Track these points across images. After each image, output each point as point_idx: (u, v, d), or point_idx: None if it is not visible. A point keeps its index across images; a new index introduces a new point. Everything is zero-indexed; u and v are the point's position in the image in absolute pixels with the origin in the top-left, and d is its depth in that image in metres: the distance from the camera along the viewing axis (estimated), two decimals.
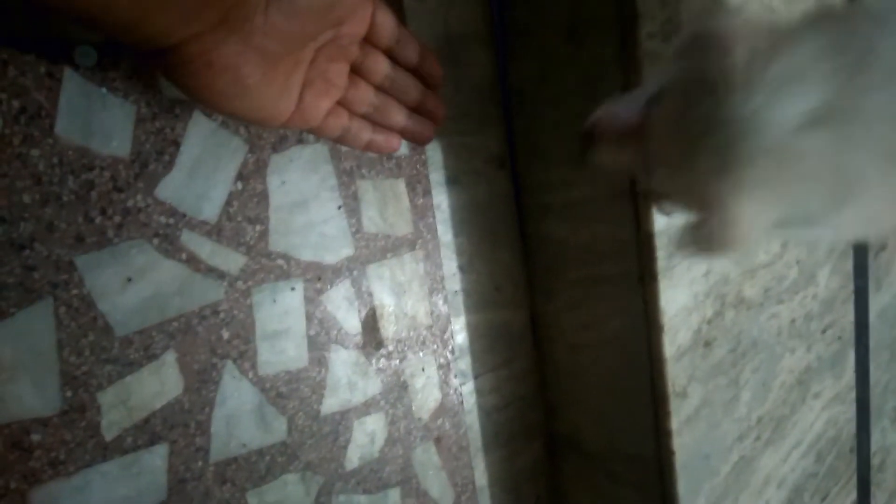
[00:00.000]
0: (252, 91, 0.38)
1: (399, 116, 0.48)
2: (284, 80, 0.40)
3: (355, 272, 0.63)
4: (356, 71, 0.46)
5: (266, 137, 0.57)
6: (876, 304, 1.08)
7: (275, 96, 0.41)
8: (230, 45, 0.35)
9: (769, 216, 0.39)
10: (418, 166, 0.68)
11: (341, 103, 0.46)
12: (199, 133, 0.54)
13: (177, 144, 0.53)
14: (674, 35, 0.65)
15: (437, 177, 0.70)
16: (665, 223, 0.68)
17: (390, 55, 0.47)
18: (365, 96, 0.47)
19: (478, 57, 0.72)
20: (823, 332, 0.96)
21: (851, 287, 1.01)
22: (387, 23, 0.45)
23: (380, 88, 0.47)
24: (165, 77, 0.38)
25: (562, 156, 0.73)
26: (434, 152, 0.69)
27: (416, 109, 0.49)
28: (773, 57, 0.37)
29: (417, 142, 0.51)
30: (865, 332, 1.06)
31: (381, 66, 0.46)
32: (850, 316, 1.01)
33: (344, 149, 0.62)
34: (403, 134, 0.49)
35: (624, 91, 0.65)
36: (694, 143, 0.38)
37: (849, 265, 0.99)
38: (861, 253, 1.02)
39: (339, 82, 0.45)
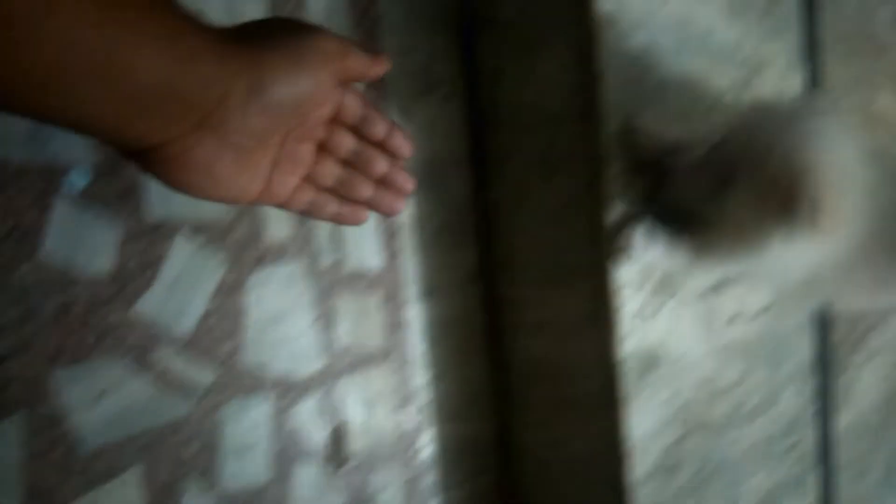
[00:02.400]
0: (224, 181, 0.40)
1: (365, 190, 0.50)
2: (255, 166, 0.43)
3: (326, 386, 0.65)
4: (322, 147, 0.48)
5: (246, 257, 0.60)
6: (839, 423, 1.10)
7: (245, 181, 0.43)
8: (206, 145, 0.37)
9: None
10: (395, 280, 0.71)
11: (308, 179, 0.48)
12: (182, 252, 0.56)
13: (159, 263, 0.55)
14: (638, 177, 0.70)
15: (411, 291, 0.72)
16: (634, 348, 0.71)
17: (357, 131, 0.49)
18: (331, 171, 0.48)
19: (457, 179, 0.76)
20: (786, 453, 0.98)
21: (813, 409, 1.03)
22: (353, 103, 0.47)
23: (346, 163, 0.49)
24: (145, 172, 0.40)
25: (535, 276, 0.76)
26: (409, 269, 0.72)
27: (383, 182, 0.51)
28: None
29: (385, 213, 0.52)
30: (830, 451, 1.08)
31: (346, 143, 0.48)
32: (812, 437, 1.04)
33: (322, 265, 0.65)
34: (371, 206, 0.51)
35: (590, 221, 0.69)
36: None
37: (810, 387, 1.02)
38: (823, 375, 1.05)
39: (305, 160, 0.47)
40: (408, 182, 0.51)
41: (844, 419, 1.14)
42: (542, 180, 0.73)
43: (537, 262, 0.76)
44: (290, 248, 0.63)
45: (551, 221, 0.74)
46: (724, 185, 0.58)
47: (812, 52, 1.01)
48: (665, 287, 0.75)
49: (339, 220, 0.50)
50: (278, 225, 0.62)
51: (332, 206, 0.49)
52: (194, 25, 0.37)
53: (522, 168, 0.75)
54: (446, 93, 0.75)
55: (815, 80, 1.02)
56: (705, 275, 0.81)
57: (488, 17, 0.74)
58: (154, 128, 0.36)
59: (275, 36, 0.40)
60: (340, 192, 0.49)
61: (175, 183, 0.39)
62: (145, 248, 0.54)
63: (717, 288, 0.83)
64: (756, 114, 0.61)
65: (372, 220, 0.69)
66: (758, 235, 0.57)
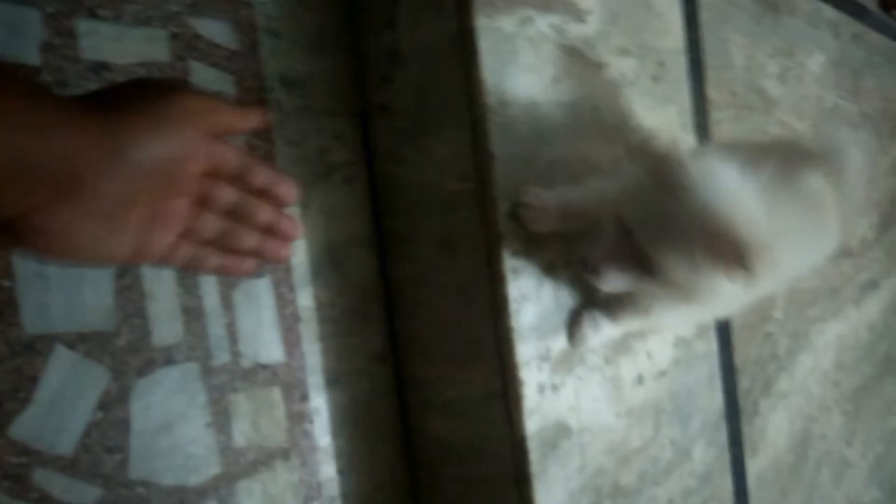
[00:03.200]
0: (90, 245, 0.39)
1: (249, 240, 0.49)
2: (122, 228, 0.41)
3: (222, 491, 0.63)
4: (201, 201, 0.47)
5: (131, 363, 0.58)
6: (753, 469, 1.14)
7: (115, 244, 0.41)
8: (65, 214, 0.37)
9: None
10: (297, 371, 0.70)
11: (186, 234, 0.47)
12: (60, 366, 0.54)
13: (35, 380, 0.53)
14: (534, 255, 0.72)
15: (315, 380, 0.71)
16: (540, 422, 0.72)
17: (238, 182, 0.48)
18: (211, 225, 0.47)
19: (360, 261, 0.76)
20: None
21: (728, 457, 1.07)
22: (228, 155, 0.46)
23: (228, 214, 0.48)
24: (6, 245, 0.39)
25: (441, 354, 0.76)
26: (313, 356, 0.71)
27: (269, 230, 0.50)
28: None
29: (272, 261, 0.51)
30: (745, 499, 1.11)
31: (225, 195, 0.47)
32: (728, 486, 1.07)
33: (217, 363, 0.63)
34: (257, 255, 0.50)
35: (492, 297, 0.70)
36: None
37: (723, 436, 1.06)
38: (734, 423, 1.09)
39: (180, 215, 0.45)
40: (293, 228, 0.51)
41: (759, 464, 1.18)
42: (444, 259, 0.74)
43: (444, 340, 0.76)
44: (180, 350, 0.61)
45: (455, 299, 0.75)
46: (647, 265, 0.61)
47: (703, 112, 1.06)
48: (569, 358, 0.77)
49: (223, 271, 0.49)
50: (167, 326, 0.61)
51: (215, 258, 0.48)
52: (42, 96, 0.36)
53: (424, 248, 0.75)
54: (345, 176, 0.76)
55: (707, 139, 1.08)
56: (608, 339, 0.83)
57: (384, 103, 0.75)
58: (5, 202, 0.35)
59: (136, 97, 0.39)
60: (223, 244, 0.48)
61: (40, 252, 0.38)
62: (19, 366, 0.52)
63: (621, 350, 0.85)
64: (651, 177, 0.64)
65: (271, 310, 0.68)
66: (699, 288, 0.61)
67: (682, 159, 0.58)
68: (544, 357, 0.73)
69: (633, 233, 0.61)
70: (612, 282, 0.63)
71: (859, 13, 1.83)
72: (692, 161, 0.58)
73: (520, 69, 0.72)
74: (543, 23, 0.76)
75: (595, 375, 0.80)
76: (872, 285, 1.80)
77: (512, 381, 0.71)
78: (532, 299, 0.72)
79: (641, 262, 0.61)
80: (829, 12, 1.64)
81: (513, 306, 0.70)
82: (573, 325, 0.76)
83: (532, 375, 0.72)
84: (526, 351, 0.71)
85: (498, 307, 0.71)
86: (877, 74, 1.90)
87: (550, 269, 0.75)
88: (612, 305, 0.76)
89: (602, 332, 0.77)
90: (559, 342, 0.75)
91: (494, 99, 0.69)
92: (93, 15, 0.57)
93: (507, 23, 0.71)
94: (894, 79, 2.05)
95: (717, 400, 1.06)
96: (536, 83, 0.74)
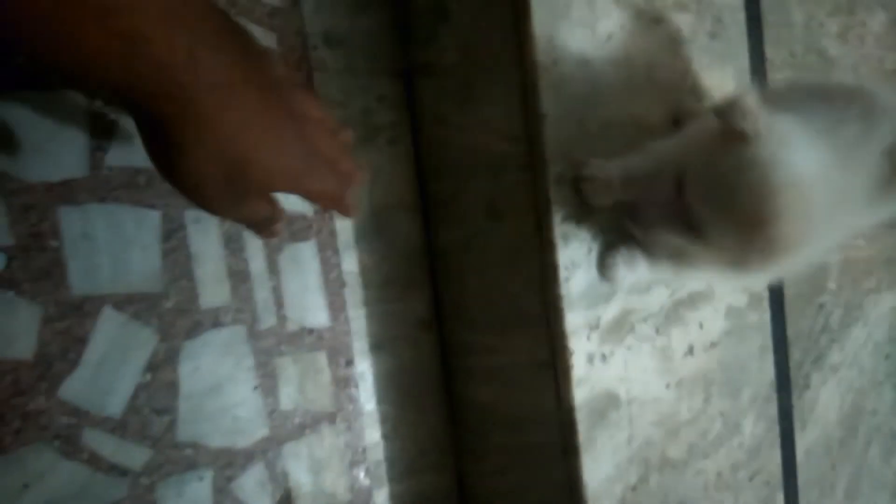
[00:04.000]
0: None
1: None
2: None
3: (270, 454, 0.63)
4: None
5: (179, 325, 0.58)
6: (802, 443, 1.11)
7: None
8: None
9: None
10: (342, 336, 0.69)
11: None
12: (108, 328, 0.54)
13: (83, 342, 0.53)
14: (585, 221, 0.69)
15: (360, 345, 0.71)
16: (588, 392, 0.70)
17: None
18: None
19: (404, 226, 0.75)
20: (751, 479, 0.98)
21: (777, 430, 1.04)
22: (311, 102, 0.46)
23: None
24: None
25: (486, 321, 0.75)
26: (358, 321, 0.71)
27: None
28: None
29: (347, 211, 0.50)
30: (793, 473, 1.09)
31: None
32: (776, 459, 1.04)
33: (264, 326, 0.63)
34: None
35: (540, 265, 0.68)
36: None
37: (773, 409, 1.03)
38: (785, 395, 1.06)
39: None
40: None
41: (809, 438, 1.15)
42: (491, 224, 0.72)
43: (489, 307, 0.74)
44: (227, 313, 0.61)
45: (501, 266, 0.73)
46: (695, 227, 0.59)
47: (761, 72, 1.02)
48: (619, 327, 0.74)
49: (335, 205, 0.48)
50: (214, 289, 0.60)
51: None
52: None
53: (470, 213, 0.73)
54: (390, 138, 0.74)
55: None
56: (659, 308, 0.81)
57: (429, 62, 0.73)
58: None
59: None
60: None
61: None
62: (68, 327, 0.52)
63: (673, 320, 0.82)
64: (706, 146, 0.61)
65: (316, 274, 0.67)
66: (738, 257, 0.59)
67: (749, 108, 0.54)
68: (594, 326, 0.71)
69: (686, 189, 0.58)
70: (658, 239, 0.61)
71: None
72: (757, 114, 0.54)
73: (572, 24, 0.69)
74: None
75: (645, 345, 0.78)
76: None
77: (560, 351, 0.69)
78: (582, 266, 0.70)
79: (689, 222, 0.59)
80: None
81: (562, 274, 0.68)
82: (607, 254, 0.72)
83: (581, 345, 0.70)
84: (575, 319, 0.69)
85: (547, 274, 0.68)
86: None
87: (602, 235, 0.73)
88: (654, 248, 0.72)
89: (637, 271, 0.72)
90: (610, 311, 0.73)
91: (545, 56, 0.66)
92: None
93: None
94: None
95: (768, 372, 1.03)
96: (589, 39, 0.71)
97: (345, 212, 0.47)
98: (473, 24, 0.69)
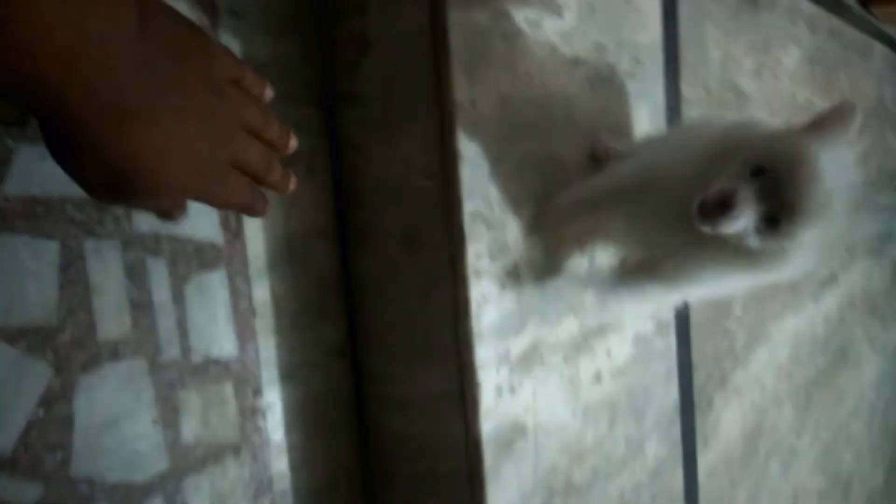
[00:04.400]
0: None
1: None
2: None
3: (169, 488, 0.62)
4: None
5: (75, 358, 0.56)
6: (704, 462, 1.17)
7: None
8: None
9: None
10: (251, 365, 0.68)
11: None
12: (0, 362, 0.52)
13: None
14: (500, 255, 0.71)
15: (270, 375, 0.70)
16: (496, 423, 0.72)
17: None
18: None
19: (319, 252, 0.75)
20: (653, 499, 1.02)
21: (679, 451, 1.09)
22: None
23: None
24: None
25: (399, 350, 0.76)
26: (268, 351, 0.70)
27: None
28: None
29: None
30: (695, 491, 1.14)
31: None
32: (679, 479, 1.09)
33: (166, 358, 0.62)
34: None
35: (453, 298, 0.70)
36: None
37: (676, 431, 1.07)
38: (688, 417, 1.11)
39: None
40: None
41: (711, 457, 1.20)
42: (407, 256, 0.73)
43: (403, 337, 0.75)
44: (127, 345, 0.59)
45: (416, 296, 0.74)
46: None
47: (675, 109, 1.06)
48: (528, 358, 0.76)
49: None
50: (114, 321, 0.59)
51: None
52: None
53: (387, 243, 0.74)
54: (308, 166, 0.74)
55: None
56: (569, 338, 0.83)
57: (351, 92, 0.73)
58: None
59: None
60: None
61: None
62: None
63: (582, 348, 0.85)
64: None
65: (225, 304, 0.66)
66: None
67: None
68: (503, 358, 0.73)
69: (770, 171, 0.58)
70: (738, 223, 0.58)
71: (838, 8, 1.83)
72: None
73: (491, 65, 0.70)
74: (519, 17, 0.74)
75: (553, 375, 0.80)
76: (832, 280, 1.83)
77: (469, 383, 0.71)
78: (494, 301, 0.72)
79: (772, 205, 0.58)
80: (808, 7, 1.63)
81: (474, 308, 0.70)
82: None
83: (490, 377, 0.71)
84: (485, 352, 0.71)
85: (459, 308, 0.70)
86: (850, 71, 1.91)
87: (514, 272, 0.75)
88: (640, 276, 0.76)
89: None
90: (520, 343, 0.75)
91: (464, 95, 0.67)
92: None
93: (481, 17, 0.69)
94: (867, 75, 2.06)
95: (672, 395, 1.07)
96: (509, 79, 0.72)
97: (256, 216, 0.46)
98: (395, 59, 0.70)
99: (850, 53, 1.93)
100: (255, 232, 0.69)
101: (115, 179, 0.34)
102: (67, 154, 0.33)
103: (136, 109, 0.33)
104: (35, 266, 0.54)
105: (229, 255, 0.67)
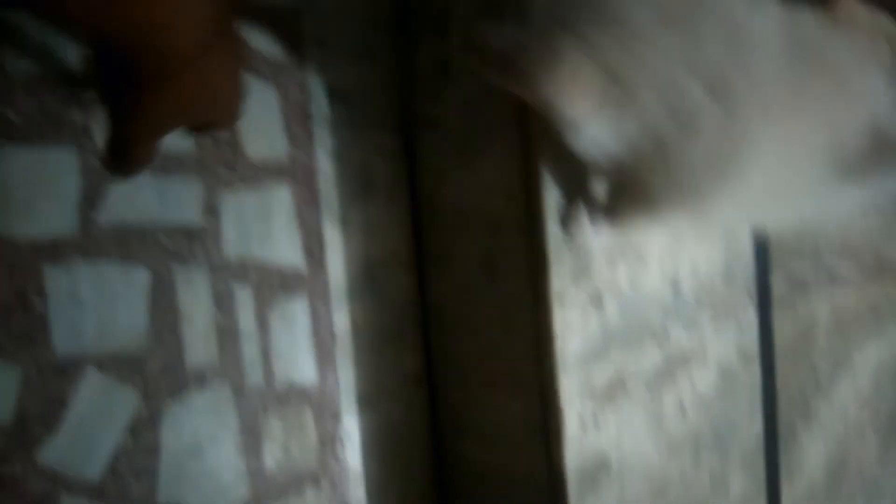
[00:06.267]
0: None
1: None
2: None
3: None
4: None
5: (163, 385, 0.56)
6: (789, 496, 1.10)
7: None
8: None
9: None
10: (330, 393, 0.67)
11: None
12: (90, 390, 0.52)
13: (64, 404, 0.51)
14: (583, 280, 0.68)
15: (348, 402, 0.69)
16: (580, 457, 0.68)
17: None
18: None
19: (398, 281, 0.73)
20: None
21: (763, 485, 1.02)
22: None
23: None
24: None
25: (478, 378, 0.73)
26: (346, 377, 0.69)
27: None
28: None
29: None
30: None
31: None
32: None
33: (250, 385, 0.61)
34: None
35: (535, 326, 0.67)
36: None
37: (760, 464, 1.01)
38: (772, 451, 1.04)
39: None
40: None
41: (795, 490, 1.13)
42: (486, 282, 0.71)
43: (482, 364, 0.73)
44: (213, 372, 0.59)
45: (496, 323, 0.71)
46: None
47: None
48: (613, 390, 0.73)
49: None
50: (201, 348, 0.58)
51: None
52: None
53: (465, 269, 0.72)
54: (387, 190, 0.72)
55: None
56: (652, 367, 0.79)
57: (430, 117, 0.72)
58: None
59: None
60: None
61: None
62: (49, 389, 0.50)
63: (665, 379, 0.81)
64: None
65: (306, 330, 0.65)
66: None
67: None
68: (587, 389, 0.70)
69: None
70: None
71: None
72: None
73: None
74: None
75: (637, 406, 0.76)
76: None
77: (553, 414, 0.67)
78: (577, 329, 0.69)
79: None
80: None
81: (557, 336, 0.67)
82: (569, 213, 0.68)
83: (574, 408, 0.68)
84: (569, 383, 0.68)
85: (541, 336, 0.67)
86: None
87: (597, 297, 0.71)
88: (613, 202, 0.68)
89: (601, 231, 0.69)
90: (604, 373, 0.71)
91: (544, 121, 0.65)
92: None
93: None
94: None
95: (756, 428, 1.01)
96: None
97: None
98: (475, 83, 0.68)
99: None
100: (335, 258, 0.68)
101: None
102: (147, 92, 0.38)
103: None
104: (126, 293, 0.54)
105: (312, 282, 0.66)
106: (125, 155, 0.42)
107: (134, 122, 0.40)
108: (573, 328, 0.68)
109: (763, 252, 1.01)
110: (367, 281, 0.71)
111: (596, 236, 0.70)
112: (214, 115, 0.43)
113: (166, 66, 0.37)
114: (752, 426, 1.00)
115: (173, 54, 0.36)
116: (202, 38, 0.37)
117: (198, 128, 0.45)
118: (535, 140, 0.65)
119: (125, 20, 0.34)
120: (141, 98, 0.38)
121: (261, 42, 0.62)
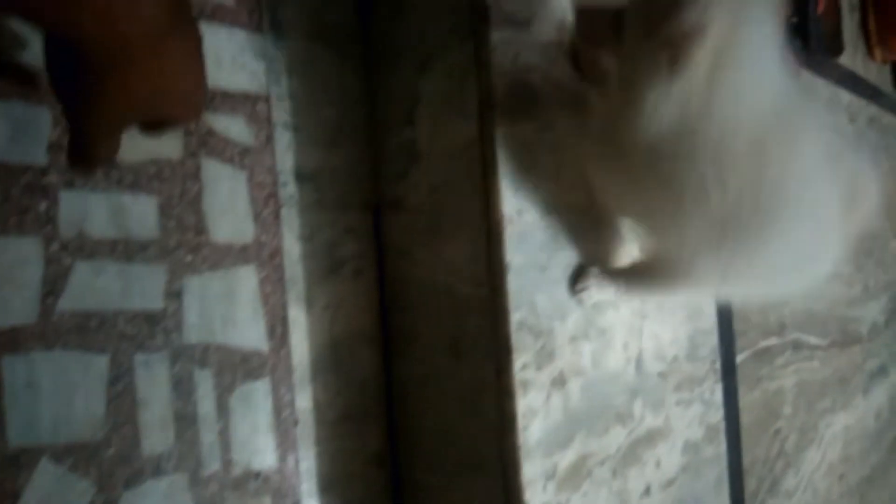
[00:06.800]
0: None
1: None
2: None
3: None
4: None
5: (118, 474, 0.55)
6: None
7: None
8: None
9: None
10: (289, 479, 0.66)
11: None
12: (43, 481, 0.51)
13: (16, 496, 0.50)
14: (547, 364, 0.69)
15: (309, 486, 0.68)
16: None
17: None
18: None
19: (363, 356, 0.74)
20: None
21: None
22: None
23: None
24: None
25: (441, 462, 0.73)
26: (308, 460, 0.68)
27: None
28: None
29: None
30: None
31: None
32: None
33: (207, 472, 0.60)
34: None
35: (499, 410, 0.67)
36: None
37: None
38: None
39: None
40: None
41: None
42: (451, 364, 0.71)
43: (445, 447, 0.73)
44: (170, 460, 0.58)
45: (460, 407, 0.71)
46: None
47: None
48: (576, 473, 0.73)
49: None
50: (158, 435, 0.58)
51: None
52: None
53: (431, 350, 0.73)
54: (354, 270, 0.73)
55: None
56: (616, 448, 0.80)
57: (398, 199, 0.73)
58: None
59: None
60: None
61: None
62: (1, 481, 0.49)
63: (630, 460, 0.81)
64: None
65: (267, 414, 0.65)
66: (645, 76, 0.56)
67: None
68: (550, 475, 0.70)
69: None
70: None
71: (874, 95, 1.83)
72: None
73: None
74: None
75: (602, 490, 0.76)
76: (882, 372, 1.76)
77: (516, 499, 0.67)
78: (540, 414, 0.69)
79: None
80: (846, 96, 1.63)
81: (520, 422, 0.67)
82: (579, 278, 0.72)
83: (537, 495, 0.68)
84: (532, 469, 0.68)
85: (505, 422, 0.67)
86: (892, 156, 1.89)
87: (560, 380, 0.72)
88: (620, 273, 0.74)
89: (606, 292, 0.73)
90: (567, 457, 0.72)
91: (511, 207, 0.67)
92: None
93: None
94: None
95: (723, 503, 1.02)
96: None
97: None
98: (443, 169, 0.70)
99: (890, 139, 1.91)
100: (300, 337, 0.69)
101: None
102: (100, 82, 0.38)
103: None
104: (84, 381, 0.54)
105: (274, 364, 0.66)
106: (85, 151, 0.42)
107: (91, 113, 0.39)
108: (536, 413, 0.69)
109: (727, 325, 1.03)
110: (331, 361, 0.71)
111: (600, 293, 0.73)
112: (175, 109, 0.42)
113: (120, 54, 0.36)
114: (719, 501, 1.00)
115: (127, 41, 0.36)
116: (158, 26, 0.37)
117: (159, 123, 0.43)
118: (500, 231, 0.67)
119: (76, 5, 0.34)
120: (95, 87, 0.37)
121: (230, 127, 0.64)
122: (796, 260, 0.63)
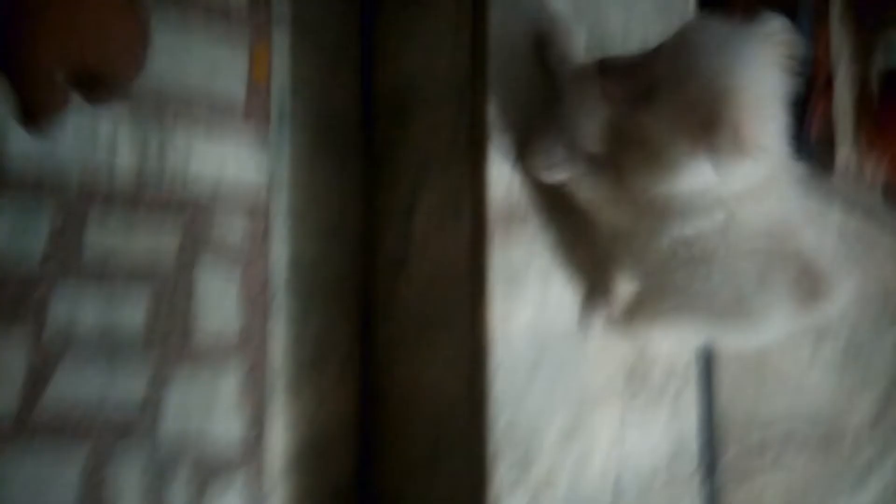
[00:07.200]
0: None
1: None
2: None
3: None
4: None
5: None
6: None
7: None
8: None
9: None
10: None
11: None
12: None
13: None
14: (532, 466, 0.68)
15: None
16: None
17: None
18: None
19: (340, 459, 0.73)
20: None
21: None
22: None
23: None
24: None
25: None
26: None
27: None
28: None
29: None
30: None
31: None
32: None
33: None
34: None
35: None
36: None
37: None
38: None
39: None
40: None
41: None
42: (431, 467, 0.71)
43: None
44: None
45: None
46: (646, 94, 0.57)
47: None
48: None
49: None
50: None
51: None
52: None
53: (411, 452, 0.72)
54: (340, 366, 0.74)
55: None
56: None
57: (388, 305, 0.74)
58: None
59: None
60: None
61: None
62: None
63: None
64: (688, 35, 0.60)
65: None
66: (673, 155, 0.57)
67: None
68: None
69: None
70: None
71: (866, 214, 1.84)
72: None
73: (526, 301, 0.71)
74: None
75: None
76: (868, 470, 1.74)
77: None
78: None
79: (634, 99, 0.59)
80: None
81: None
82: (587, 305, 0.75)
83: None
84: None
85: None
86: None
87: (546, 480, 0.71)
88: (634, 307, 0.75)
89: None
90: None
91: (500, 330, 0.67)
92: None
93: (518, 252, 0.70)
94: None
95: None
96: (541, 309, 0.73)
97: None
98: (432, 280, 0.71)
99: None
100: (280, 429, 0.68)
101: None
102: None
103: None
104: (58, 477, 0.54)
105: (249, 462, 0.65)
106: (28, 102, 0.41)
107: (25, 62, 0.39)
108: None
109: (710, 434, 1.02)
110: (308, 459, 0.70)
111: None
112: (109, 63, 0.41)
113: None
114: None
115: None
116: None
117: (97, 81, 0.42)
118: (486, 349, 0.67)
119: None
120: (24, 29, 0.38)
121: (225, 221, 0.65)
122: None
